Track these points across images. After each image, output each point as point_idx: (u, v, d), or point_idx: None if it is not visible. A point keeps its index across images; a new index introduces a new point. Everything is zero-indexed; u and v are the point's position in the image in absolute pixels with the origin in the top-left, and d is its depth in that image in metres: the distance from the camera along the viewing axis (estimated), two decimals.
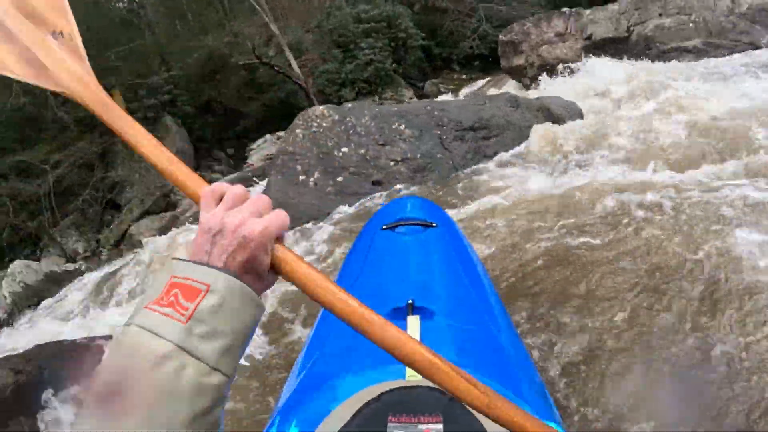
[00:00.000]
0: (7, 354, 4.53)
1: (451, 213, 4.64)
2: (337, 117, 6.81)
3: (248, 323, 0.74)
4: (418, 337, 1.49)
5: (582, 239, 4.02)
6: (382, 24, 14.92)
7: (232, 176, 11.92)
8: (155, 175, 12.40)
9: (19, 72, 0.99)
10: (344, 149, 6.55)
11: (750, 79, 7.84)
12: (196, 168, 13.42)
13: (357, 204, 6.19)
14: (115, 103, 0.98)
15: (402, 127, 6.80)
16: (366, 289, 2.02)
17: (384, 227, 2.33)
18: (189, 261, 0.74)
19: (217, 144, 14.68)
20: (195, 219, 9.02)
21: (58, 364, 4.22)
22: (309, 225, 5.96)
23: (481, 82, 15.51)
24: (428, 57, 17.28)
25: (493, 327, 1.87)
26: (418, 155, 6.62)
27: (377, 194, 6.29)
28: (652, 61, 11.28)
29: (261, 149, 12.92)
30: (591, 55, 12.20)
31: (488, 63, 16.80)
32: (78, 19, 1.07)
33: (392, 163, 6.53)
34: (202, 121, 14.34)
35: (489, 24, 17.39)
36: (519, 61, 13.56)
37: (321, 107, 7.00)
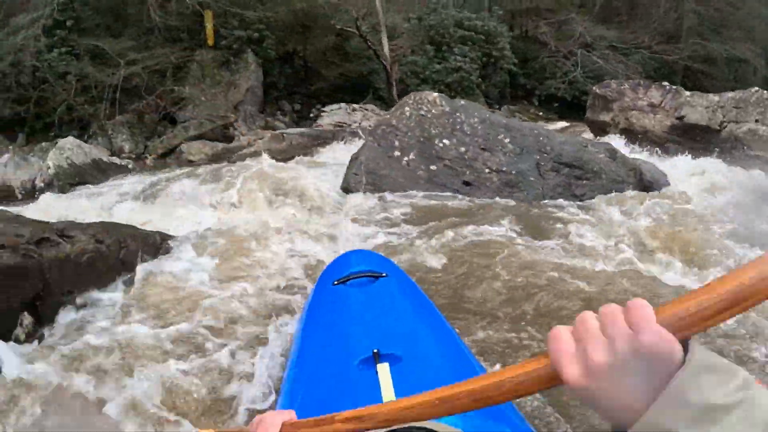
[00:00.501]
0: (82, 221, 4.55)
1: (522, 239, 4.91)
2: (448, 109, 6.79)
3: None
4: (390, 382, 1.57)
5: None
6: (480, 36, 14.91)
7: (299, 130, 11.92)
8: (221, 103, 12.41)
9: None
10: (446, 141, 6.53)
11: None
12: (261, 111, 13.41)
13: (441, 197, 6.19)
14: None
15: (506, 140, 6.78)
16: (329, 344, 2.09)
17: (335, 282, 2.41)
18: None
19: (288, 96, 14.65)
20: (249, 157, 9.08)
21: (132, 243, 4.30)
22: (390, 196, 6.09)
23: (559, 125, 15.43)
24: (512, 83, 17.25)
25: (458, 361, 1.97)
26: (513, 171, 6.60)
27: (462, 196, 6.27)
28: (735, 161, 11.10)
29: (334, 114, 12.86)
30: (677, 136, 12.10)
31: (566, 109, 16.75)
32: None
33: (487, 170, 6.51)
34: (279, 69, 14.30)
35: (581, 71, 17.35)
36: (605, 117, 13.45)
37: (435, 94, 6.98)
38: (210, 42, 12.91)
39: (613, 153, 7.47)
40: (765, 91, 12.41)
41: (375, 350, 1.73)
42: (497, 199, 6.30)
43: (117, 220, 5.20)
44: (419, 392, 1.09)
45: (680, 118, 12.36)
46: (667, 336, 0.55)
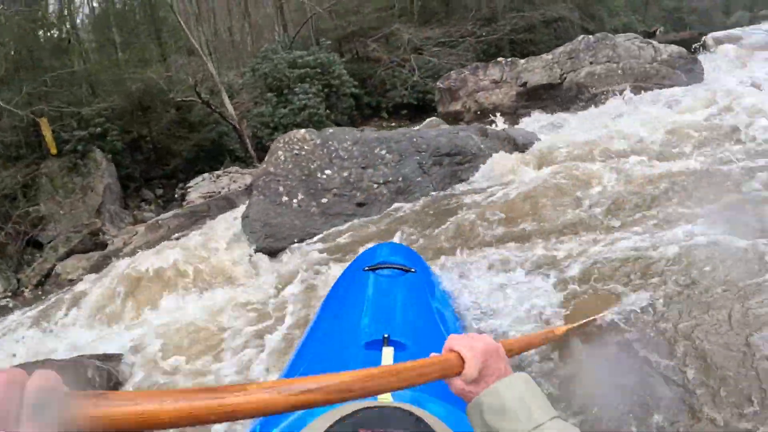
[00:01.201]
0: None
1: (429, 231, 5.25)
2: (318, 141, 6.73)
3: None
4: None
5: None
6: (316, 70, 14.97)
7: (172, 212, 11.46)
8: (82, 211, 11.77)
9: None
10: (327, 172, 6.46)
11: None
12: (125, 207, 12.84)
13: (343, 224, 6.09)
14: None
15: (383, 152, 6.79)
16: (344, 324, 2.21)
17: (366, 268, 2.51)
18: None
19: (146, 184, 14.10)
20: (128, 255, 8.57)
21: None
22: (296, 244, 5.87)
23: (416, 128, 15.74)
24: (358, 105, 17.39)
25: None
26: (400, 178, 6.63)
27: (359, 218, 6.24)
28: (586, 103, 11.78)
29: (199, 187, 12.47)
30: (525, 101, 12.73)
31: (415, 112, 17.12)
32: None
33: (375, 186, 6.48)
34: (131, 158, 13.76)
35: (419, 74, 17.78)
36: (456, 106, 13.90)
37: (302, 131, 6.89)
38: (53, 151, 12.20)
39: (483, 131, 7.71)
40: (590, 36, 13.30)
41: (385, 335, 1.81)
42: (395, 204, 6.37)
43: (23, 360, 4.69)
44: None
45: (523, 85, 13.01)
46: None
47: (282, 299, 4.65)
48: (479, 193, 6.24)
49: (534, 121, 11.00)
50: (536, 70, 13.23)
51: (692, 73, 12.17)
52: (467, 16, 20.83)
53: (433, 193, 6.59)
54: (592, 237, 4.40)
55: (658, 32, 15.89)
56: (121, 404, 0.62)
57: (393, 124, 17.70)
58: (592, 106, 11.65)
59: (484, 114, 12.75)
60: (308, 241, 5.85)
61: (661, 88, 11.53)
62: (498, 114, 11.81)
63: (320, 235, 5.91)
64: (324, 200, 6.28)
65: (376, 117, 18.02)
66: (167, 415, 0.64)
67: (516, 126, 9.84)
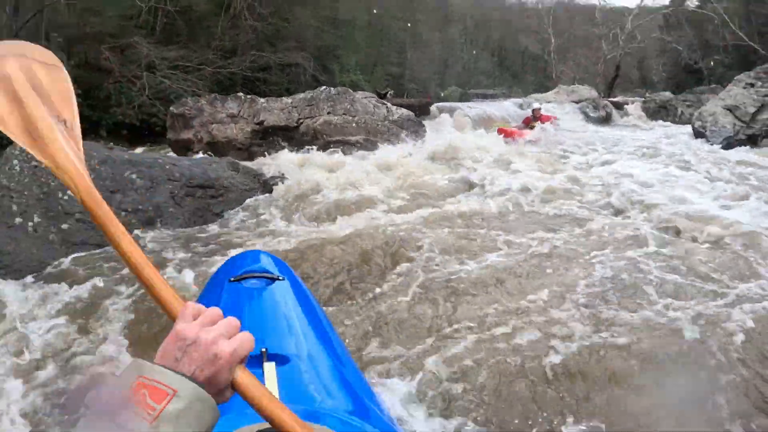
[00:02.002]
0: None
1: (179, 268, 4.95)
2: None
3: (206, 429, 0.80)
4: (275, 381, 1.63)
5: None
6: None
7: None
8: None
9: (16, 134, 1.06)
10: (70, 192, 5.81)
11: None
12: None
13: (85, 254, 5.50)
14: (101, 199, 1.05)
15: (134, 176, 6.33)
16: None
17: (231, 279, 2.42)
18: (158, 365, 0.79)
19: None
20: None
21: None
22: (30, 279, 4.99)
23: (137, 150, 14.82)
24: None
25: (341, 366, 2.07)
26: (150, 207, 6.23)
27: (101, 249, 5.65)
28: (319, 148, 12.24)
29: None
30: (259, 139, 12.82)
31: (136, 135, 16.25)
32: None
33: (123, 213, 6.00)
34: None
35: (149, 94, 16.96)
36: (187, 135, 13.34)
37: None
38: None
39: (235, 165, 7.60)
40: (331, 89, 13.87)
41: (263, 349, 1.75)
42: (147, 234, 5.94)
43: None
44: (303, 390, 1.45)
45: (260, 123, 13.04)
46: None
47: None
48: (231, 232, 6.14)
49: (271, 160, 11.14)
50: (275, 110, 13.35)
51: (417, 134, 13.45)
52: (210, 44, 20.50)
53: (183, 228, 6.29)
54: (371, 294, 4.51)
55: (389, 95, 17.11)
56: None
57: (111, 144, 16.51)
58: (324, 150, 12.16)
59: (214, 147, 12.48)
60: (42, 275, 5.08)
61: (389, 141, 12.60)
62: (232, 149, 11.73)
63: (62, 267, 5.25)
64: (65, 225, 5.63)
65: (93, 134, 16.50)
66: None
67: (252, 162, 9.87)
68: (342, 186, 7.76)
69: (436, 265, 4.86)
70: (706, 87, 25.28)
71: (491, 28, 49.12)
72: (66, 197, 5.79)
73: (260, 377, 1.64)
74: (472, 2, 51.38)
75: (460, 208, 6.85)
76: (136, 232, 5.91)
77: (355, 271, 4.76)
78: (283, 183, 7.95)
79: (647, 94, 26.21)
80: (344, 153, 11.88)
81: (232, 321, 0.89)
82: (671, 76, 33.92)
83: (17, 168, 5.74)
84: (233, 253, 5.11)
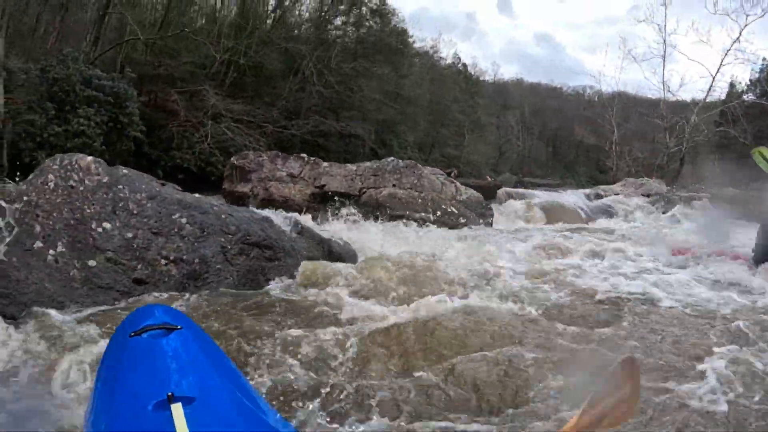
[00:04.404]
0: None
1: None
2: (106, 179, 4.95)
3: None
4: (184, 421, 1.70)
5: None
6: (108, 99, 12.83)
7: None
8: None
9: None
10: (107, 224, 4.69)
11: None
12: None
13: (112, 303, 4.33)
14: None
15: (183, 220, 5.17)
16: (124, 394, 2.10)
17: (132, 334, 2.42)
18: None
19: None
20: None
21: None
22: (30, 323, 3.83)
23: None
24: (137, 152, 15.26)
25: (247, 401, 2.14)
26: (196, 259, 5.03)
27: (133, 300, 4.49)
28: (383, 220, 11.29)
29: None
30: (317, 203, 11.93)
31: (192, 180, 15.57)
32: None
33: (164, 261, 4.83)
34: None
35: (210, 143, 16.31)
36: (244, 188, 12.64)
37: (89, 158, 5.03)
38: None
39: (299, 227, 6.42)
40: (399, 161, 12.95)
41: (169, 393, 1.81)
42: (185, 294, 4.70)
43: None
44: (212, 426, 1.73)
45: (320, 186, 12.17)
46: None
47: None
48: (286, 303, 4.87)
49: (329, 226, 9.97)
50: (338, 176, 12.55)
51: (485, 218, 12.48)
52: (275, 104, 20.05)
53: (233, 290, 5.06)
54: None
55: (453, 174, 16.21)
56: None
57: (176, 186, 15.85)
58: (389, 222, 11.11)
59: (269, 204, 11.56)
60: (55, 318, 3.89)
61: (456, 223, 11.50)
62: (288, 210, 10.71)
63: (76, 314, 4.06)
64: (92, 263, 4.48)
65: (149, 172, 15.86)
66: None
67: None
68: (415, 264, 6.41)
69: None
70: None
71: (547, 117, 48.69)
72: (101, 229, 4.66)
73: (169, 420, 1.72)
74: (530, 90, 51.24)
75: None
76: (170, 291, 4.72)
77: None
78: (353, 254, 6.69)
79: (712, 191, 25.04)
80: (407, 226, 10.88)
81: None
82: (725, 171, 32.60)
83: (51, 184, 4.64)
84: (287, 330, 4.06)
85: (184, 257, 4.96)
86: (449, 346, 3.99)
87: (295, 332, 3.93)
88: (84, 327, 3.76)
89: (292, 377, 3.38)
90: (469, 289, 5.69)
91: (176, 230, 5.08)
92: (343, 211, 10.77)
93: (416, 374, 3.55)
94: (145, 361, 2.26)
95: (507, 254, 7.96)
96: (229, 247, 5.32)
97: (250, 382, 3.15)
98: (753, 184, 24.70)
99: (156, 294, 4.63)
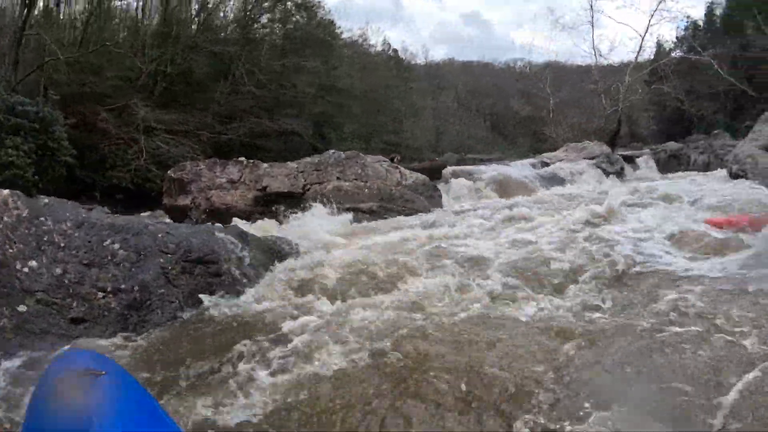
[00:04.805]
0: None
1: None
2: (26, 212, 4.57)
3: None
4: None
5: None
6: (34, 125, 12.13)
7: None
8: None
9: None
10: (32, 263, 4.31)
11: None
12: None
13: (50, 349, 3.95)
14: None
15: (116, 246, 4.82)
16: None
17: (55, 380, 2.47)
18: None
19: None
20: None
21: None
22: None
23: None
24: (70, 177, 14.52)
25: None
26: (136, 287, 4.68)
27: (72, 341, 4.13)
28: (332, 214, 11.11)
29: None
30: (261, 206, 11.60)
31: (131, 199, 14.99)
32: None
33: (100, 294, 4.47)
34: None
35: (145, 158, 15.70)
36: (185, 201, 12.13)
37: (5, 192, 4.62)
38: None
39: (244, 236, 6.11)
40: (341, 153, 12.69)
41: None
42: (123, 334, 4.33)
43: None
44: None
45: (263, 189, 11.82)
46: None
47: None
48: (244, 319, 4.58)
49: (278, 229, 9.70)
50: (279, 176, 12.19)
51: (433, 199, 12.31)
52: (208, 109, 19.47)
53: (180, 314, 4.73)
54: None
55: (396, 159, 15.96)
56: None
57: (105, 207, 15.16)
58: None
59: (213, 214, 11.18)
60: None
61: (403, 209, 11.36)
62: (232, 217, 10.37)
63: (13, 365, 3.69)
64: (22, 308, 4.10)
65: (85, 196, 15.22)
66: None
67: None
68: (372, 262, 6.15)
69: None
70: (700, 135, 24.91)
71: (482, 94, 48.81)
72: (27, 269, 4.28)
73: None
74: (462, 69, 51.38)
75: None
76: (112, 326, 4.35)
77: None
78: (300, 257, 6.41)
79: (653, 147, 25.63)
80: (357, 221, 10.65)
81: None
82: (660, 128, 33.48)
83: None
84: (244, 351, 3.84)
85: (122, 286, 4.60)
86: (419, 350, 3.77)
87: (242, 357, 3.70)
88: (18, 384, 3.42)
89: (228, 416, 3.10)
90: (429, 273, 5.53)
91: (110, 258, 4.72)
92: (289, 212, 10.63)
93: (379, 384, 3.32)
94: (69, 407, 2.26)
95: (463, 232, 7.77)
96: (169, 267, 4.98)
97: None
98: (689, 137, 25.57)
99: (99, 330, 4.27)
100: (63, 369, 2.56)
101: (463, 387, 3.16)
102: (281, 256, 6.19)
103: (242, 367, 3.58)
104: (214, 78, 21.24)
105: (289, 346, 3.85)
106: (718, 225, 6.61)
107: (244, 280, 5.37)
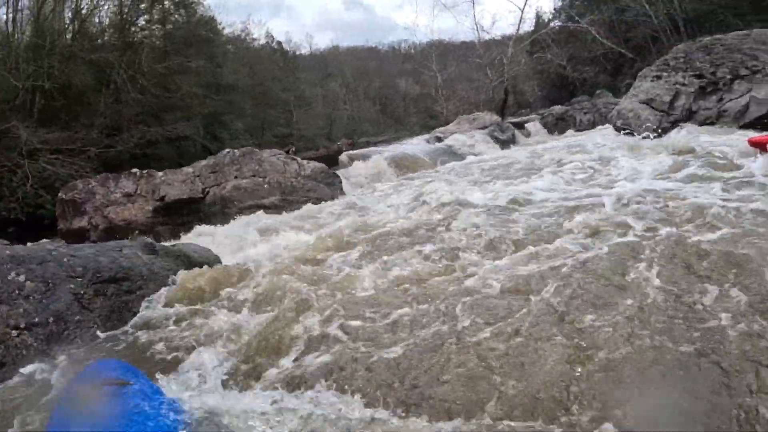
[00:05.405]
0: None
1: None
2: None
3: None
4: None
5: None
6: None
7: None
8: None
9: None
10: None
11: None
12: None
13: None
14: None
15: (21, 277, 4.57)
16: None
17: (81, 387, 2.57)
18: None
19: None
20: None
21: None
22: None
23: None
24: None
25: None
26: (50, 318, 4.46)
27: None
28: (233, 216, 10.98)
29: None
30: (162, 216, 11.25)
31: (26, 230, 14.13)
32: None
33: (14, 332, 4.23)
34: None
35: (32, 183, 14.82)
36: (81, 222, 11.53)
37: None
38: None
39: (152, 247, 5.95)
40: (235, 151, 12.50)
41: None
42: (46, 364, 4.13)
43: None
44: None
45: (161, 199, 11.47)
46: None
47: None
48: (162, 334, 4.48)
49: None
50: (176, 183, 11.83)
51: (333, 187, 12.38)
52: (93, 123, 18.58)
53: (101, 334, 4.58)
54: None
55: (291, 151, 15.86)
56: None
57: (4, 240, 14.21)
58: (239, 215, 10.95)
59: (113, 232, 10.71)
60: None
61: (307, 200, 11.39)
62: (136, 232, 10.00)
63: None
64: None
65: None
66: None
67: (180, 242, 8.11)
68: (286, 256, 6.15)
69: None
70: (584, 96, 26.07)
71: (369, 77, 49.19)
72: None
73: None
74: (348, 55, 51.52)
75: None
76: (33, 362, 4.14)
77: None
78: (215, 258, 6.33)
79: (539, 112, 26.73)
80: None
81: None
82: (546, 94, 34.95)
83: None
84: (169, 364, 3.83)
85: (36, 320, 4.38)
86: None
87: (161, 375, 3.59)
88: None
89: None
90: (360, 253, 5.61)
91: (17, 292, 4.48)
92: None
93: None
94: (96, 414, 2.33)
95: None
96: (82, 292, 4.79)
97: None
98: (573, 99, 26.76)
99: (22, 371, 4.04)
100: (89, 378, 2.62)
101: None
102: (192, 263, 6.06)
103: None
104: (95, 89, 20.28)
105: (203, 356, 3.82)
106: (761, 143, 7.62)
107: (159, 292, 5.24)
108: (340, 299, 4.38)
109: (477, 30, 34.24)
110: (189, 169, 12.22)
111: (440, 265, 4.96)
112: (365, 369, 3.34)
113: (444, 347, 3.41)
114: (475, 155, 15.75)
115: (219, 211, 11.40)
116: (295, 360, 3.62)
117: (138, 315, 4.93)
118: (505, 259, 4.84)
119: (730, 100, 13.12)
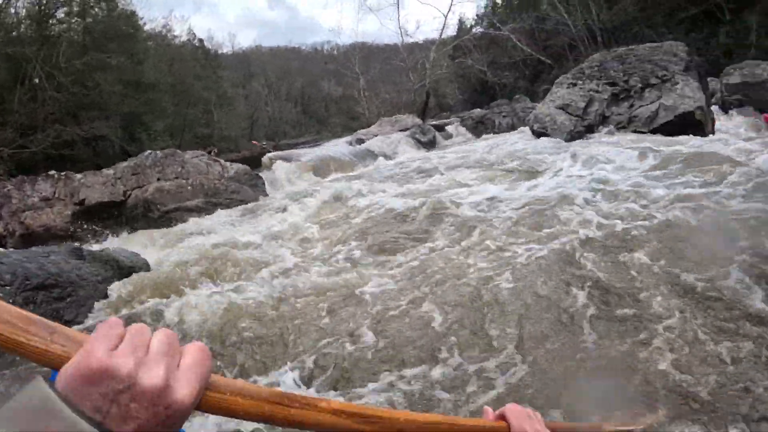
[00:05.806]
0: None
1: None
2: None
3: None
4: None
5: None
6: None
7: None
8: None
9: None
10: None
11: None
12: None
13: None
14: None
15: None
16: None
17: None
18: (77, 410, 0.48)
19: None
20: None
21: None
22: None
23: None
24: None
25: None
26: None
27: None
28: (156, 221, 10.86)
29: None
30: (84, 221, 11.00)
31: None
32: None
33: None
34: None
35: None
36: None
37: None
38: None
39: (79, 252, 5.96)
40: (157, 152, 12.33)
41: None
42: None
43: None
44: None
45: (81, 203, 11.17)
46: None
47: None
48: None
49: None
50: (96, 185, 11.52)
51: (256, 188, 12.40)
52: (6, 121, 17.86)
53: None
54: None
55: (212, 152, 15.71)
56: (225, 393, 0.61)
57: None
58: (172, 225, 10.70)
59: (31, 238, 10.36)
60: None
61: (231, 202, 11.43)
62: (52, 239, 9.85)
63: None
64: None
65: None
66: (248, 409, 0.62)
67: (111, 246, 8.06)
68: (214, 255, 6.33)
69: None
70: (504, 100, 26.88)
71: (291, 78, 49.03)
72: None
73: None
74: (270, 55, 51.16)
75: None
76: None
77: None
78: (144, 263, 6.39)
79: (460, 114, 27.29)
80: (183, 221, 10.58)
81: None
82: (466, 98, 35.78)
83: None
84: None
85: None
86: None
87: None
88: None
89: None
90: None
91: None
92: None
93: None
94: None
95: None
96: (11, 301, 4.81)
97: None
98: (493, 103, 27.52)
99: None
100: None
101: None
102: (122, 269, 6.11)
103: None
104: (9, 85, 19.38)
105: None
106: None
107: (89, 298, 5.29)
108: None
109: (401, 34, 34.83)
110: (109, 171, 11.93)
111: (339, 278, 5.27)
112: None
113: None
114: (391, 158, 16.25)
115: (141, 215, 11.23)
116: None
117: (71, 322, 4.89)
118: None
119: (641, 106, 13.94)
